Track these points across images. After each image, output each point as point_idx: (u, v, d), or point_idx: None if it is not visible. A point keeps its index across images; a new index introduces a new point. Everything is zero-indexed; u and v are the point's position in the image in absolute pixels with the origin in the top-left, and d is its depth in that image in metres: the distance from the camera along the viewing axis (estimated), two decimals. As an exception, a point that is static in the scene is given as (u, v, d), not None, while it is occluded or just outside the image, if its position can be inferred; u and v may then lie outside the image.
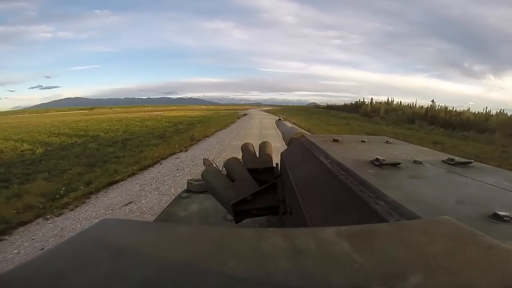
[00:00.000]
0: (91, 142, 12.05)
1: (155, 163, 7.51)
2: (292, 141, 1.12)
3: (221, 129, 16.30)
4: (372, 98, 69.46)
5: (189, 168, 6.66)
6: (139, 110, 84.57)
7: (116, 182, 5.96)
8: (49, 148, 10.94)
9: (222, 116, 33.63)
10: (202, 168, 1.05)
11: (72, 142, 12.43)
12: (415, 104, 52.38)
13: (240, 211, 0.84)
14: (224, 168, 1.02)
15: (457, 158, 0.61)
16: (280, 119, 1.78)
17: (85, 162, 7.90)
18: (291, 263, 0.19)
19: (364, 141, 0.91)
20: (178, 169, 6.64)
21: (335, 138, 0.90)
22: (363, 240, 0.23)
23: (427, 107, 43.32)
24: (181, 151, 9.32)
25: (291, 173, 0.76)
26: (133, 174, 6.52)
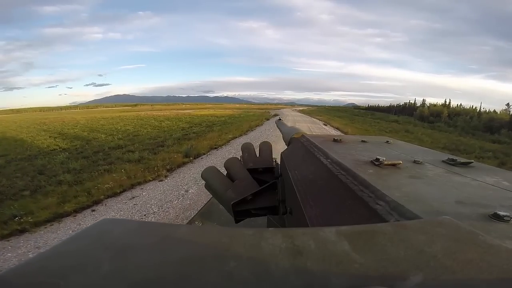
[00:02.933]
0: (76, 149, 10.22)
1: (84, 209, 4.29)
2: (292, 141, 1.11)
3: (240, 136, 12.83)
4: (424, 100, 59.80)
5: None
6: (176, 107, 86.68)
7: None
8: (19, 156, 8.88)
9: (251, 116, 30.04)
10: None
11: (55, 148, 10.36)
12: (481, 108, 43.13)
13: (240, 211, 0.83)
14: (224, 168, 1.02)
15: (457, 158, 0.60)
16: (280, 119, 1.67)
17: (13, 187, 5.27)
18: (291, 263, 0.19)
19: (364, 141, 0.89)
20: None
21: (335, 138, 0.90)
22: (363, 240, 0.22)
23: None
24: (157, 176, 6.06)
25: (291, 173, 0.74)
26: (10, 235, 3.37)
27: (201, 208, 1.57)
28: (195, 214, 1.68)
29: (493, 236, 0.25)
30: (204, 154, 8.40)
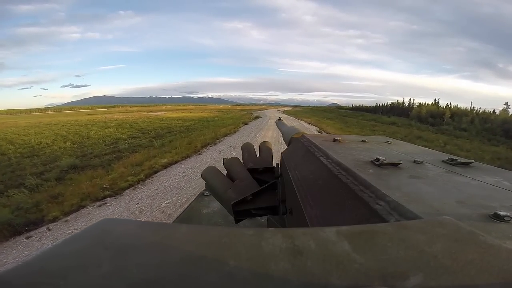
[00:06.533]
0: None
1: None
2: (292, 141, 1.11)
3: (186, 157, 8.20)
4: (411, 99, 57.97)
5: None
6: (152, 109, 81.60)
7: None
8: None
9: (227, 119, 25.37)
10: None
11: None
12: (474, 108, 40.50)
13: (240, 211, 0.83)
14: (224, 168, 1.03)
15: (457, 158, 0.60)
16: (280, 119, 1.60)
17: None
18: (291, 263, 0.19)
19: (364, 141, 0.89)
20: None
21: (335, 138, 0.90)
22: (363, 240, 0.22)
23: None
24: None
25: (291, 173, 0.75)
26: None
27: (181, 213, 1.57)
28: (175, 218, 1.60)
29: (493, 236, 0.25)
30: (57, 221, 3.78)
